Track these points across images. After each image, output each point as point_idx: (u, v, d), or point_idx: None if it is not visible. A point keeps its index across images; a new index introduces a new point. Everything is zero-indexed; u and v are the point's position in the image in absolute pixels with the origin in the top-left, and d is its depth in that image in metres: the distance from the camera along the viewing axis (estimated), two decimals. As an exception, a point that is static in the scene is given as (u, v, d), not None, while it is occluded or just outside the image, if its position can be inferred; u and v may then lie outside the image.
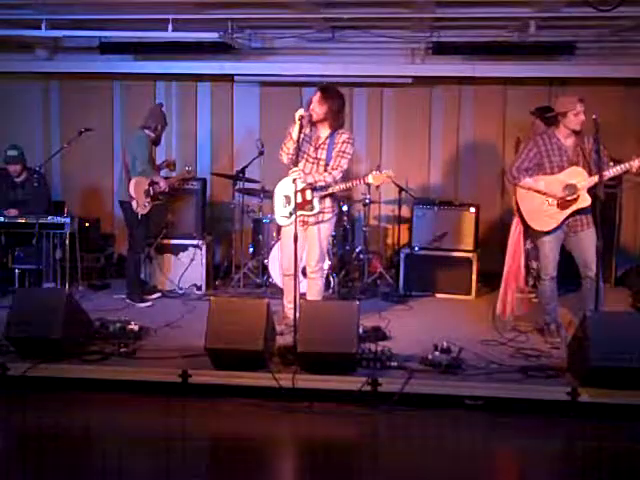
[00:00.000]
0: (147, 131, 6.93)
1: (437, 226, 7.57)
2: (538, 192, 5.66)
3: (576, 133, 5.62)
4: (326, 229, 5.87)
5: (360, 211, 8.03)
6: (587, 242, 5.57)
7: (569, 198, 5.55)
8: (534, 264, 6.67)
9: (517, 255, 5.86)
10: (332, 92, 5.72)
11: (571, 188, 5.55)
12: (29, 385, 4.98)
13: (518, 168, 5.73)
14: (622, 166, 5.46)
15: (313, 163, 5.77)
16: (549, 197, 5.63)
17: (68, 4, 6.78)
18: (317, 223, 5.80)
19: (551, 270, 5.77)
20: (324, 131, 5.77)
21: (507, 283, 5.91)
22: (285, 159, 5.78)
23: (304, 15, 6.98)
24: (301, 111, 5.57)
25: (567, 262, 5.84)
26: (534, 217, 5.72)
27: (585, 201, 5.54)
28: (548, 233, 5.70)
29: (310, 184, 5.67)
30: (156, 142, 7.07)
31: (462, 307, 7.10)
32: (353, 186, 5.95)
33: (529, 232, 5.84)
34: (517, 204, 5.80)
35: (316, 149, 5.77)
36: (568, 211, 5.59)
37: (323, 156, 5.74)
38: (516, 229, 5.84)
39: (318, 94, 5.67)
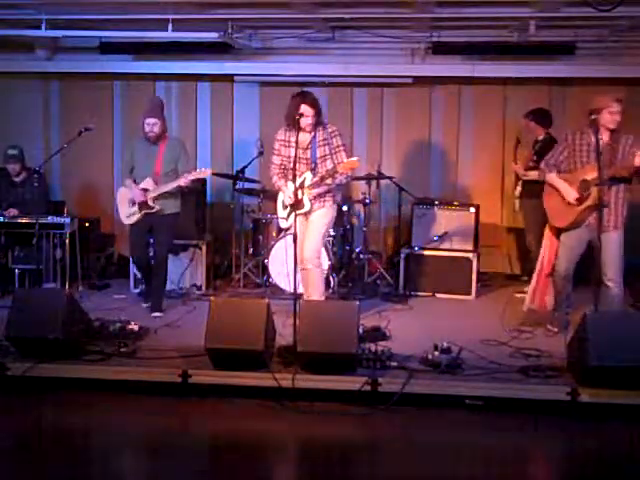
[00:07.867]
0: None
1: (437, 226, 7.58)
2: (557, 190, 5.62)
3: (611, 132, 5.51)
4: (322, 215, 5.97)
5: (360, 211, 8.03)
6: (607, 245, 5.38)
7: (584, 194, 5.43)
8: None
9: (552, 249, 5.78)
10: (312, 95, 5.93)
11: (585, 184, 5.46)
12: (29, 385, 4.98)
13: (547, 162, 5.71)
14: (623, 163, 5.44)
15: (305, 164, 5.94)
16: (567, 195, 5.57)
17: (68, 4, 6.78)
18: (315, 210, 5.95)
19: (562, 269, 5.70)
20: (308, 132, 5.91)
21: (539, 275, 5.89)
22: (275, 178, 6.10)
23: (304, 15, 6.99)
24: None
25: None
26: (553, 213, 5.68)
27: (597, 198, 5.37)
28: (565, 230, 5.63)
29: (322, 177, 5.83)
30: (149, 139, 6.54)
31: (462, 307, 7.10)
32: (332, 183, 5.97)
33: None
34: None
35: (304, 150, 5.91)
36: (580, 208, 5.48)
37: (309, 155, 5.92)
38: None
39: (307, 103, 5.77)
